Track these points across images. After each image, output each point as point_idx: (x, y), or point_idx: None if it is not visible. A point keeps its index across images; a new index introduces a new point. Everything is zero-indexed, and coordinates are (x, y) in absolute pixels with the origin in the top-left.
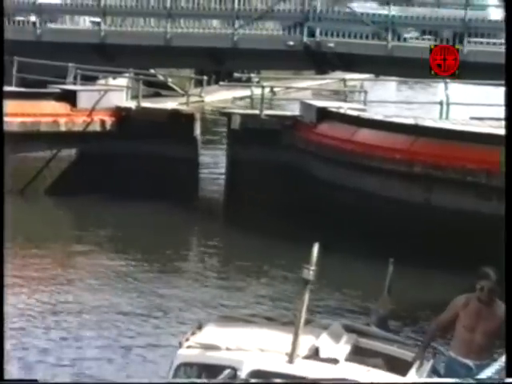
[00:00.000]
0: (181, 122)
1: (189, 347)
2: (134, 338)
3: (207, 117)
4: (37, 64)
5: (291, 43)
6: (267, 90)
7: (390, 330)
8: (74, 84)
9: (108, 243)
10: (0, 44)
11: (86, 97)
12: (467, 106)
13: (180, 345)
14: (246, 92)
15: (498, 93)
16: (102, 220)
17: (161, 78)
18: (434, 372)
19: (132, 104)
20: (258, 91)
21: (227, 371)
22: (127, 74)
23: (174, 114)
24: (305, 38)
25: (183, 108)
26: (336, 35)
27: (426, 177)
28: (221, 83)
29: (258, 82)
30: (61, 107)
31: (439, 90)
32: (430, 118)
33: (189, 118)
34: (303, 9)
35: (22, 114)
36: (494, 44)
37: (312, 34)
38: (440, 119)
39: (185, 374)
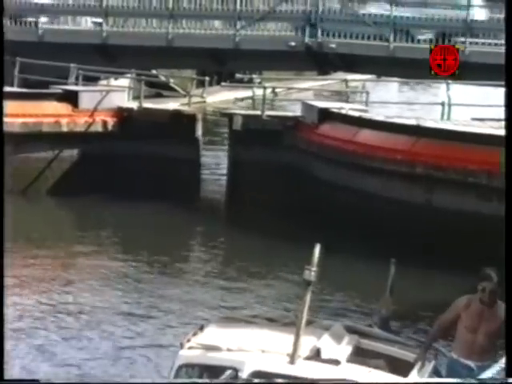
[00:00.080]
0: (182, 122)
1: (190, 348)
2: (134, 338)
3: (209, 117)
4: (39, 65)
5: (293, 44)
6: (269, 90)
7: (391, 331)
8: (76, 85)
9: (109, 243)
10: (0, 44)
11: (88, 97)
12: (468, 107)
13: (181, 346)
14: (247, 93)
15: (497, 93)
16: (103, 220)
17: (163, 78)
18: (436, 373)
19: (134, 104)
20: (259, 92)
21: (229, 372)
22: (129, 75)
23: (176, 114)
24: (306, 39)
25: (185, 109)
26: (338, 36)
27: (428, 177)
28: (222, 84)
29: (259, 82)
30: (63, 108)
31: (441, 90)
32: (432, 119)
33: (190, 119)
34: (305, 9)
35: (23, 114)
36: (495, 44)
37: (314, 35)
38: (441, 120)
39: (186, 375)
